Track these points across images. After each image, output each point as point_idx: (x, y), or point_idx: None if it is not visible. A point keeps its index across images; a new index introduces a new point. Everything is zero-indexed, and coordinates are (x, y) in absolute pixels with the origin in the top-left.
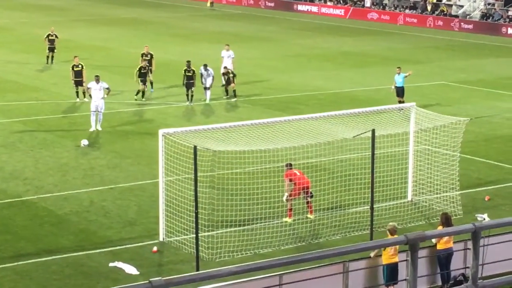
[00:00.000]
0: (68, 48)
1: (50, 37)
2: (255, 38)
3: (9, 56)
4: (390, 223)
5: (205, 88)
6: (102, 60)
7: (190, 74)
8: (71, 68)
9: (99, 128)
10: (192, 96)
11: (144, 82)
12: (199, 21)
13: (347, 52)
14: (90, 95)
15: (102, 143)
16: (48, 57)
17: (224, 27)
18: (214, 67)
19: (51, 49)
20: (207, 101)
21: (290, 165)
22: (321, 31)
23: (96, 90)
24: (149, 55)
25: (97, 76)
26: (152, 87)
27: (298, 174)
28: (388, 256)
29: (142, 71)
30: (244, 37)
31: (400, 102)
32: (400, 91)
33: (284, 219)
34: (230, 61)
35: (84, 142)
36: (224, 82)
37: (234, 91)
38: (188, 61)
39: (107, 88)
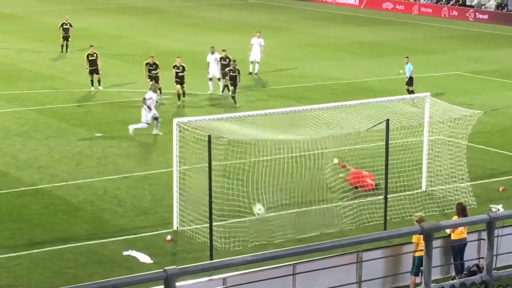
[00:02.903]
0: (83, 36)
1: (64, 26)
2: (269, 28)
3: (23, 44)
4: (417, 214)
5: (219, 79)
6: (116, 49)
7: (235, 74)
8: (85, 57)
9: (160, 133)
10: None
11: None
12: (213, 10)
13: (361, 42)
14: (149, 107)
15: (116, 132)
16: (62, 45)
17: (238, 16)
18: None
19: (65, 38)
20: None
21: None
22: (335, 20)
23: (153, 102)
24: (154, 65)
25: (154, 84)
26: (160, 93)
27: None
28: (420, 248)
29: (178, 74)
30: (258, 27)
31: (408, 90)
32: (409, 80)
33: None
34: (259, 49)
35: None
36: (223, 75)
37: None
38: (234, 61)
39: (159, 98)
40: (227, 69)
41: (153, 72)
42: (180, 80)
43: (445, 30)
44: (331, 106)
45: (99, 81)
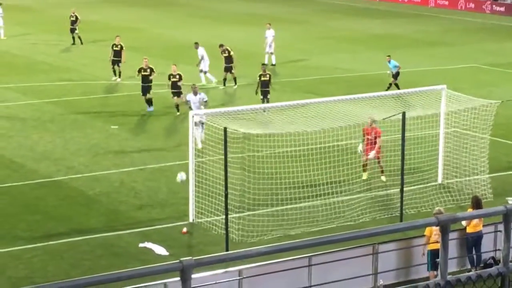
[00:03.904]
0: (95, 29)
1: (71, 19)
2: (284, 20)
3: (37, 37)
4: (436, 208)
5: (206, 72)
6: (131, 41)
7: (266, 79)
8: (111, 47)
9: (201, 142)
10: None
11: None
12: (229, 2)
13: (376, 35)
14: (191, 109)
15: (132, 124)
16: (73, 37)
17: (254, 9)
18: (244, 49)
19: (72, 30)
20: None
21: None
22: (351, 13)
23: (196, 104)
24: (148, 70)
25: (194, 85)
26: (151, 106)
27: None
28: (433, 242)
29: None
30: (274, 19)
31: (397, 85)
32: (394, 75)
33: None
34: (271, 40)
35: (182, 176)
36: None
37: (235, 78)
38: (264, 64)
39: (205, 101)
40: (258, 75)
41: (148, 77)
42: (176, 90)
43: (462, 22)
44: (347, 99)
45: (119, 73)
